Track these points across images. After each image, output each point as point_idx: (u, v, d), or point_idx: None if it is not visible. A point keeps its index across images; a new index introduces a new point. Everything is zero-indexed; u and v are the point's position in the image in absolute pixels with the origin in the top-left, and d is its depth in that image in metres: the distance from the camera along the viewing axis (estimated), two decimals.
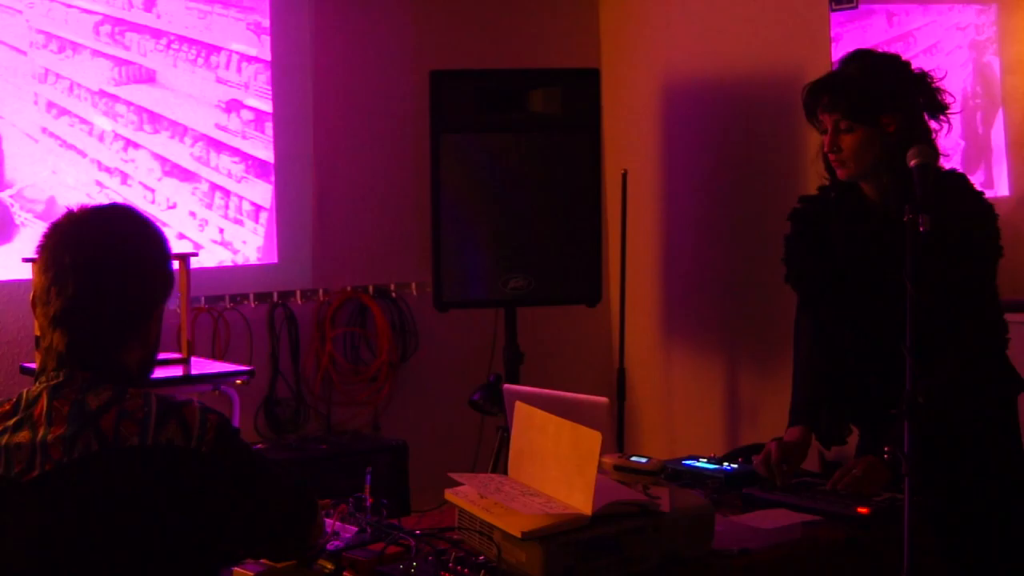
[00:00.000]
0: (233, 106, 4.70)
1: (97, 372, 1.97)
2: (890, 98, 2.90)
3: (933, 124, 2.93)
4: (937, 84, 2.94)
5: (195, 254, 4.28)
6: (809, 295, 3.11)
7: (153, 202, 4.55)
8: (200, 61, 4.63)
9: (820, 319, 3.09)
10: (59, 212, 2.08)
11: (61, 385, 1.96)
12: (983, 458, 2.89)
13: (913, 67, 2.98)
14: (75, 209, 2.04)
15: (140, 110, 4.55)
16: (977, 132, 4.37)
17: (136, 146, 4.55)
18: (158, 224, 2.10)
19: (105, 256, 1.99)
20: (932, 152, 2.66)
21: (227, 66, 4.68)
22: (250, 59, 4.72)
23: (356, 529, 2.52)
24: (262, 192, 4.76)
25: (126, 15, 4.51)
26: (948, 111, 2.93)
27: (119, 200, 4.28)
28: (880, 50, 3.11)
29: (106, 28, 4.48)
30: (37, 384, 1.99)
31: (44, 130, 4.39)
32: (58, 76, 4.40)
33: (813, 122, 2.99)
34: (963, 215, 2.82)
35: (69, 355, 1.97)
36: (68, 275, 1.96)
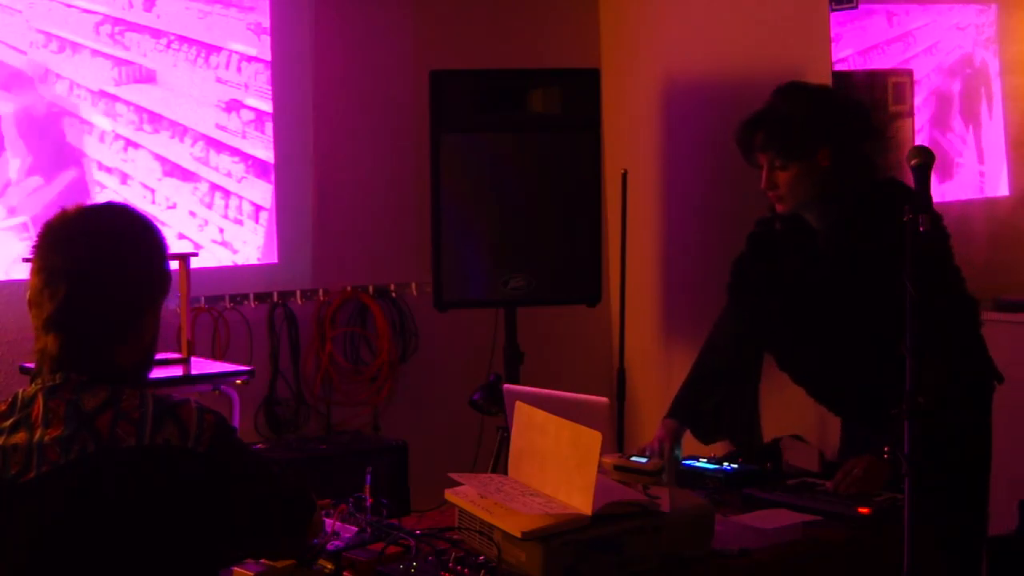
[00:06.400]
0: (233, 106, 4.70)
1: (92, 374, 1.96)
2: (822, 132, 2.92)
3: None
4: (866, 110, 2.99)
5: (195, 254, 4.28)
6: (753, 314, 3.15)
7: (153, 202, 4.54)
8: (200, 61, 4.63)
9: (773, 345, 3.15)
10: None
11: (57, 387, 1.95)
12: (956, 451, 2.88)
13: (842, 97, 3.02)
14: (69, 208, 2.01)
15: (140, 110, 4.54)
16: (977, 132, 4.37)
17: (136, 146, 4.54)
18: (155, 222, 2.08)
19: (95, 257, 1.96)
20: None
21: (227, 66, 4.68)
22: (250, 59, 4.72)
23: (356, 529, 2.52)
24: (262, 192, 4.75)
25: (126, 15, 4.51)
26: (883, 136, 2.97)
27: (119, 200, 4.27)
28: (812, 83, 3.14)
29: (106, 28, 4.48)
30: (32, 385, 1.98)
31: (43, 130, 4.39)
32: (58, 76, 4.40)
33: (749, 160, 3.02)
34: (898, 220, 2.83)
35: (62, 358, 1.95)
36: (59, 278, 1.94)
